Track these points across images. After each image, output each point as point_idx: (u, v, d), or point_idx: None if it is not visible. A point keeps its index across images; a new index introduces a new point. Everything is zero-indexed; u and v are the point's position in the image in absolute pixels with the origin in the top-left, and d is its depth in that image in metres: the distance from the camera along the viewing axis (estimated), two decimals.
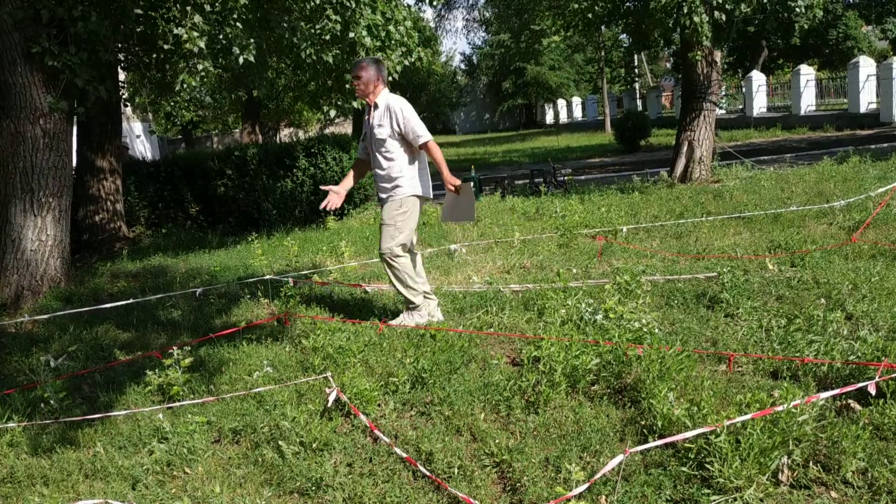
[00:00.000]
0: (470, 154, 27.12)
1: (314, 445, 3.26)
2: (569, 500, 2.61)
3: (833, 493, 2.66)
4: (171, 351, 4.14)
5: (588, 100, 40.90)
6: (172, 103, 10.03)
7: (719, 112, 20.83)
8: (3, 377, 4.71)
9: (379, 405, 3.65)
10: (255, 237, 9.16)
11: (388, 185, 4.75)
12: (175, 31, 6.78)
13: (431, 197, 4.95)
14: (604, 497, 2.71)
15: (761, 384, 3.47)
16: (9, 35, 6.33)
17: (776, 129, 22.08)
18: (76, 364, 4.81)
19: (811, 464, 2.79)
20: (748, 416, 2.84)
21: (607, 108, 33.54)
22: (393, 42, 8.49)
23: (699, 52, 10.61)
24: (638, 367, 3.57)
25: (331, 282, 6.36)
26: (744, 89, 25.92)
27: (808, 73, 23.10)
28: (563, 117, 43.54)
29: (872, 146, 14.23)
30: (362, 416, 3.46)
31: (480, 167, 18.34)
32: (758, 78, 25.20)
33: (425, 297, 4.92)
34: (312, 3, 7.72)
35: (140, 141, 21.32)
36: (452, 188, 4.81)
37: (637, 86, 33.29)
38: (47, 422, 3.82)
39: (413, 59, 8.94)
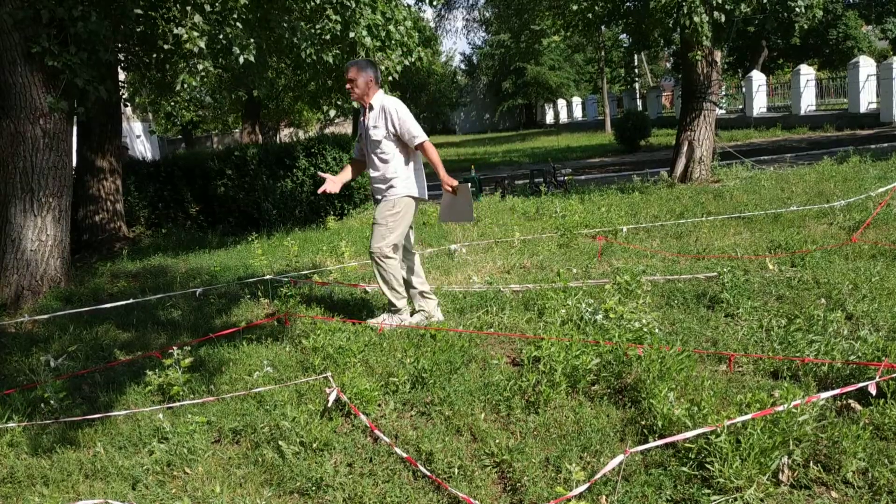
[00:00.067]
0: (470, 154, 27.13)
1: (314, 445, 3.26)
2: (569, 500, 2.61)
3: (833, 494, 2.66)
4: (171, 351, 4.14)
5: (588, 100, 40.90)
6: (172, 103, 10.03)
7: (719, 112, 20.83)
8: (3, 377, 4.71)
9: (379, 405, 3.65)
10: (255, 237, 9.16)
11: (382, 186, 4.75)
12: (175, 31, 6.78)
13: (426, 198, 4.96)
14: (604, 497, 2.71)
15: (762, 384, 3.47)
16: (9, 35, 6.33)
17: (776, 129, 22.08)
18: (76, 364, 4.81)
19: (811, 464, 2.78)
20: (748, 416, 2.84)
21: (607, 108, 33.54)
22: (393, 42, 8.49)
23: (699, 52, 10.61)
24: (638, 367, 3.57)
25: (331, 282, 6.36)
26: (744, 89, 25.93)
27: (808, 73, 23.11)
28: (563, 117, 43.54)
29: (872, 146, 14.23)
30: (362, 416, 3.46)
31: (480, 167, 18.34)
32: (758, 78, 25.21)
33: (424, 296, 4.93)
34: (312, 3, 7.72)
35: (140, 141, 21.32)
36: (450, 189, 4.81)
37: (637, 86, 33.30)
38: (47, 422, 3.82)
39: (413, 59, 8.94)
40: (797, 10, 10.82)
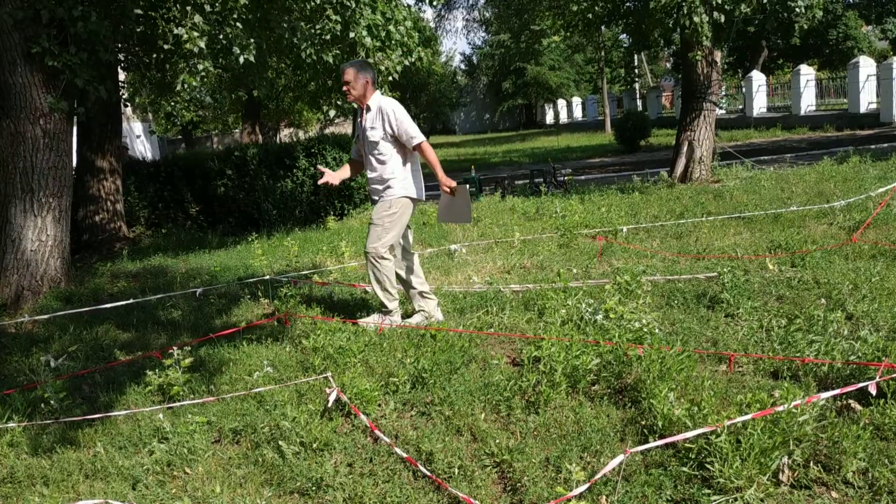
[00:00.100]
0: (470, 154, 27.13)
1: (314, 445, 3.25)
2: (569, 500, 2.61)
3: (834, 494, 2.66)
4: (171, 351, 4.14)
5: (588, 100, 40.91)
6: (172, 103, 10.01)
7: (719, 112, 20.83)
8: (3, 377, 4.71)
9: (379, 405, 3.65)
10: (255, 237, 9.16)
11: (380, 187, 4.76)
12: (175, 31, 6.78)
13: (424, 199, 4.96)
14: (604, 497, 2.71)
15: (762, 384, 3.47)
16: (9, 35, 6.33)
17: (776, 129, 22.08)
18: (76, 364, 4.81)
19: (812, 464, 2.78)
20: (749, 417, 2.84)
21: (607, 108, 33.55)
22: (393, 42, 8.48)
23: (699, 52, 10.61)
24: (638, 367, 3.57)
25: (331, 282, 6.36)
26: (744, 89, 25.93)
27: (808, 73, 23.11)
28: (563, 117, 43.55)
29: (872, 146, 14.23)
30: (363, 416, 3.46)
31: (480, 167, 18.34)
32: (758, 78, 25.21)
33: (424, 296, 4.93)
34: (312, 3, 7.72)
35: (140, 141, 21.33)
36: (448, 190, 4.81)
37: (637, 86, 33.30)
38: (47, 422, 3.82)
39: (413, 59, 8.94)
40: (797, 10, 10.81)
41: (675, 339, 4.03)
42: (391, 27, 8.36)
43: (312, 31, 7.95)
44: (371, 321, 4.83)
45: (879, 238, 6.13)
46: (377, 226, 4.70)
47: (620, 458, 2.73)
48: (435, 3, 10.93)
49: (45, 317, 5.97)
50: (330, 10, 7.82)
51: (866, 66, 20.64)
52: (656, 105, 32.07)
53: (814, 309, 4.25)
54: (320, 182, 4.85)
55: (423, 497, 2.85)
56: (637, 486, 2.73)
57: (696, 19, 9.58)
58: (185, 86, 7.10)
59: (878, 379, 3.13)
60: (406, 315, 5.04)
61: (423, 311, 4.92)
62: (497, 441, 3.15)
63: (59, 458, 3.44)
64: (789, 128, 21.95)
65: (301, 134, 30.44)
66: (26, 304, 6.56)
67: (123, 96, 9.73)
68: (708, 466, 2.75)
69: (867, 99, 20.78)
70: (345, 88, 4.72)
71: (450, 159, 25.05)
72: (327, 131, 27.02)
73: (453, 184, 4.80)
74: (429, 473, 2.96)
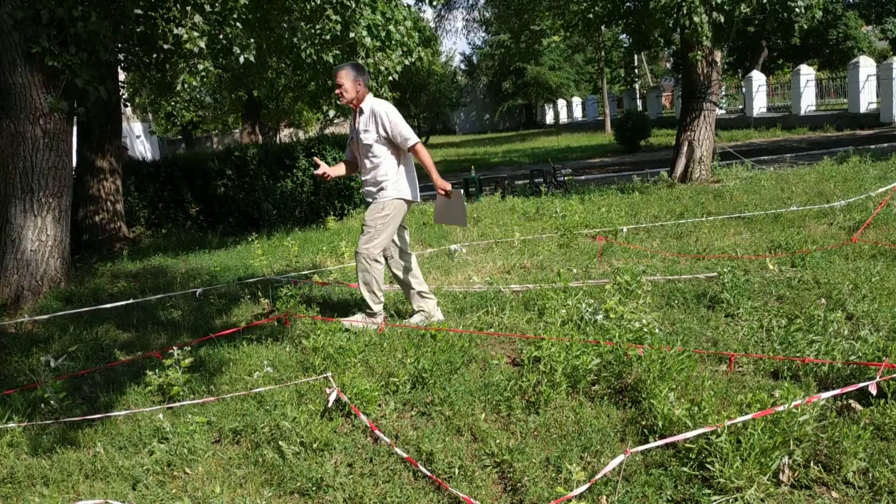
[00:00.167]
0: (470, 154, 27.13)
1: (315, 446, 3.25)
2: (569, 500, 2.61)
3: (834, 494, 2.66)
4: (171, 351, 4.14)
5: (588, 100, 40.91)
6: (172, 103, 10.01)
7: (719, 112, 20.84)
8: (3, 377, 4.71)
9: (379, 405, 3.65)
10: (255, 237, 9.16)
11: (373, 189, 4.77)
12: (175, 31, 6.77)
13: (419, 200, 4.96)
14: (604, 497, 2.71)
15: (762, 384, 3.47)
16: (9, 35, 6.33)
17: (776, 129, 22.09)
18: (76, 364, 4.81)
19: (812, 464, 2.78)
20: (749, 417, 2.84)
21: (607, 108, 33.55)
22: (393, 42, 8.48)
23: (699, 52, 10.61)
24: (638, 367, 3.57)
25: (331, 282, 6.36)
26: (744, 89, 25.94)
27: (808, 73, 23.11)
28: (563, 117, 43.55)
29: (872, 146, 14.23)
30: (363, 417, 3.46)
31: (480, 167, 18.34)
32: (758, 78, 25.22)
33: (422, 296, 4.93)
34: (312, 3, 7.71)
35: (140, 141, 21.33)
36: (442, 192, 4.81)
37: (637, 86, 33.31)
38: (47, 422, 3.82)
39: (413, 59, 8.93)
40: (797, 10, 10.81)
41: (675, 339, 4.03)
42: (391, 27, 8.36)
43: (312, 31, 7.95)
44: (356, 320, 4.83)
45: (879, 238, 6.13)
46: (370, 227, 4.71)
47: (621, 458, 2.73)
48: (435, 3, 10.93)
49: (45, 317, 5.97)
50: (330, 10, 7.81)
51: (866, 66, 20.65)
52: (656, 105, 32.07)
53: (814, 309, 4.25)
54: (316, 173, 4.85)
55: (423, 497, 2.85)
56: (637, 487, 2.73)
57: (695, 19, 9.58)
58: (185, 86, 7.10)
59: (878, 379, 3.13)
60: (406, 315, 5.04)
61: (422, 311, 4.92)
62: (497, 441, 3.15)
63: (59, 458, 3.44)
64: (789, 128, 21.95)
65: (301, 134, 30.41)
66: (26, 304, 6.55)
67: (123, 96, 9.74)
68: (708, 466, 2.75)
69: (867, 99, 20.78)
70: (337, 91, 4.71)
71: (450, 159, 25.05)
72: (327, 131, 27.01)
73: (448, 186, 4.79)
74: (429, 473, 2.95)
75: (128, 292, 6.82)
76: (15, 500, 3.16)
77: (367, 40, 8.06)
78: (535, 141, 31.50)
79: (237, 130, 29.71)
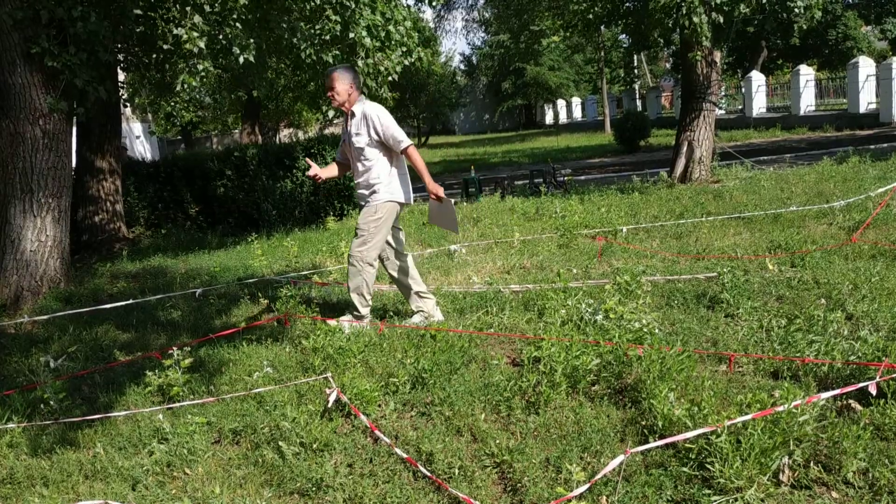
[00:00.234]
0: (470, 154, 27.14)
1: (314, 446, 3.25)
2: (569, 500, 2.61)
3: (834, 494, 2.66)
4: (170, 351, 4.13)
5: (588, 100, 40.91)
6: (172, 104, 10.01)
7: (719, 112, 20.84)
8: (2, 378, 4.70)
9: (379, 405, 3.65)
10: (255, 238, 9.16)
11: (366, 192, 4.77)
12: (175, 32, 6.78)
13: (411, 202, 4.97)
14: (604, 497, 2.71)
15: (762, 384, 3.47)
16: (8, 35, 6.32)
17: (776, 129, 22.09)
18: (76, 365, 4.81)
19: (812, 464, 2.78)
20: (749, 417, 2.84)
21: (607, 108, 33.56)
22: (393, 42, 8.48)
23: (699, 53, 10.61)
24: (638, 367, 3.57)
25: (331, 282, 6.35)
26: (743, 89, 25.94)
27: (807, 74, 23.12)
28: (563, 118, 43.55)
29: (872, 146, 14.23)
30: (363, 417, 3.46)
31: (480, 167, 18.35)
32: (757, 78, 25.22)
33: (421, 296, 4.93)
34: (312, 4, 7.72)
35: (140, 141, 21.33)
36: (434, 197, 4.81)
37: (637, 86, 33.32)
38: (47, 423, 3.82)
39: (413, 60, 8.94)
40: (796, 10, 10.81)
41: (675, 339, 4.03)
42: (391, 27, 8.36)
43: (312, 31, 7.96)
44: (344, 320, 4.83)
45: (879, 238, 6.13)
46: (363, 231, 4.71)
47: (621, 458, 2.73)
48: (434, 4, 10.93)
49: (45, 317, 5.97)
50: (330, 10, 7.82)
51: (866, 67, 20.65)
52: (656, 105, 32.07)
53: (814, 309, 4.25)
54: (308, 174, 4.86)
55: (423, 497, 2.85)
56: (637, 487, 2.73)
57: (695, 19, 9.58)
58: (185, 86, 7.11)
59: (878, 379, 3.13)
60: (406, 315, 5.04)
61: (421, 311, 4.92)
62: (497, 441, 3.15)
63: (58, 458, 3.44)
64: (789, 128, 21.95)
65: (301, 134, 30.43)
66: (26, 304, 6.55)
67: (123, 96, 9.74)
68: (708, 466, 2.75)
69: (867, 99, 20.79)
70: (329, 94, 4.71)
71: (449, 159, 25.06)
72: (327, 131, 27.03)
73: (440, 191, 4.76)
74: (429, 474, 2.95)
75: (127, 293, 6.82)
76: (15, 500, 3.16)
77: (367, 40, 8.06)
78: (535, 141, 31.50)
79: (237, 131, 29.72)
